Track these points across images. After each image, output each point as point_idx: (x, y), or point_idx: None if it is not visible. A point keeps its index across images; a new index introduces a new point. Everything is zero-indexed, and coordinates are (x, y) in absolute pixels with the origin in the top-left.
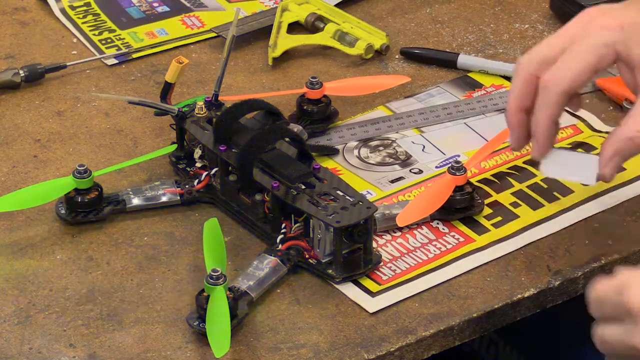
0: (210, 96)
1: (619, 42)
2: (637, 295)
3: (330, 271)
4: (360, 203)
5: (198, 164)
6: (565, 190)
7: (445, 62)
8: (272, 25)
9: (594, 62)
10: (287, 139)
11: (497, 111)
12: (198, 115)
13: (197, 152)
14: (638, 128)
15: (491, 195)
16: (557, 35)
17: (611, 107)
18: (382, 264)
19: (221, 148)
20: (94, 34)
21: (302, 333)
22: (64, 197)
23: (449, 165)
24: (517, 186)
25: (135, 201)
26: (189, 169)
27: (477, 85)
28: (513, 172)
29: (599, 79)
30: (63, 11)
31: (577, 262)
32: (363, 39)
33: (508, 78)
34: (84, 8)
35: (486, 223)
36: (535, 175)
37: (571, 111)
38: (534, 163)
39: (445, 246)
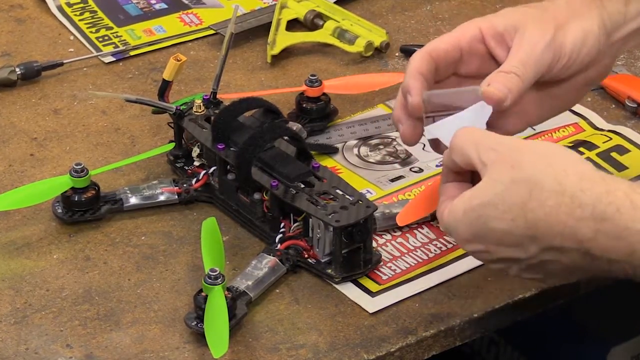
0: (208, 94)
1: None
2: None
3: (329, 271)
4: (360, 202)
5: (196, 163)
6: None
7: None
8: (270, 22)
9: (457, 35)
10: (286, 138)
11: None
12: (196, 113)
13: (195, 151)
14: (513, 63)
15: None
16: None
17: (613, 105)
18: (382, 263)
19: (219, 147)
20: (91, 32)
21: (301, 333)
22: (61, 196)
23: None
24: None
25: (133, 200)
26: (187, 168)
27: None
28: None
29: None
30: (60, 8)
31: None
32: (363, 37)
33: None
34: (81, 5)
35: None
36: None
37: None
38: None
39: (445, 245)
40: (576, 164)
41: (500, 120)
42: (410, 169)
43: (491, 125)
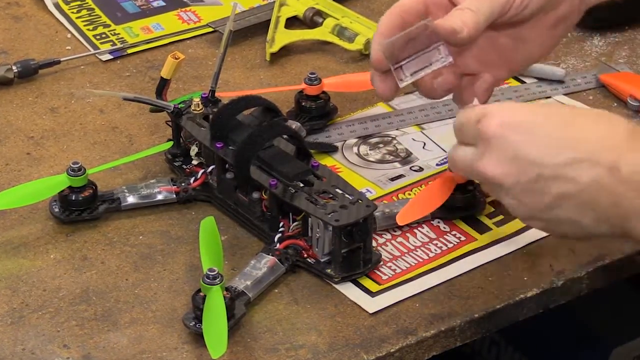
0: (206, 92)
1: None
2: (492, 125)
3: (329, 271)
4: (360, 201)
5: (194, 162)
6: None
7: None
8: (269, 20)
9: None
10: (285, 136)
11: None
12: (194, 111)
13: (194, 150)
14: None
15: None
16: None
17: (615, 104)
18: (382, 263)
19: (218, 145)
20: (88, 29)
21: (301, 334)
22: (58, 196)
23: None
24: None
25: (131, 199)
26: (185, 167)
27: None
28: None
29: (602, 74)
30: (57, 6)
31: (581, 261)
32: (362, 34)
33: None
34: (78, 2)
35: (488, 222)
36: None
37: None
38: None
39: (446, 245)
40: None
41: (483, 67)
42: (410, 168)
43: (475, 76)
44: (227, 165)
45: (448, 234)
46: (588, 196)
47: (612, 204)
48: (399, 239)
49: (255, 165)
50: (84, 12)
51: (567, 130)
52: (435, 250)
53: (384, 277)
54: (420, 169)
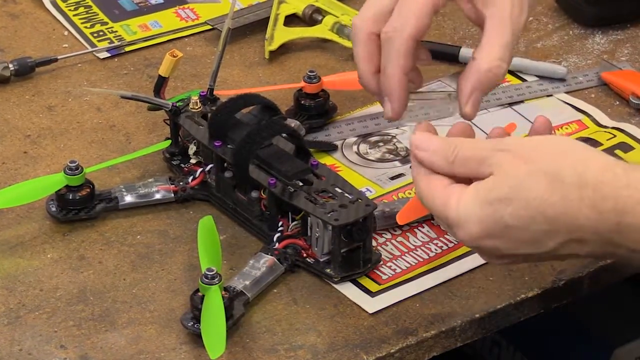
0: (205, 90)
1: None
2: (466, 235)
3: (328, 270)
4: (359, 200)
5: (193, 161)
6: None
7: (446, 55)
8: (268, 17)
9: (432, 0)
10: (284, 135)
11: (500, 106)
12: (193, 110)
13: (192, 148)
14: (494, 57)
15: None
16: None
17: (617, 102)
18: (381, 263)
19: (216, 144)
20: (85, 27)
21: (300, 334)
22: (55, 195)
23: None
24: None
25: (128, 198)
26: (183, 166)
27: None
28: None
29: (604, 72)
30: (54, 3)
31: (582, 261)
32: None
33: (512, 72)
34: (76, 0)
35: None
36: None
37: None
38: None
39: (446, 245)
40: (595, 155)
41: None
42: (410, 167)
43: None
44: (225, 164)
45: (448, 234)
46: (591, 254)
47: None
48: (399, 239)
49: (254, 164)
50: (81, 9)
51: (543, 215)
52: (436, 249)
53: (384, 277)
54: None
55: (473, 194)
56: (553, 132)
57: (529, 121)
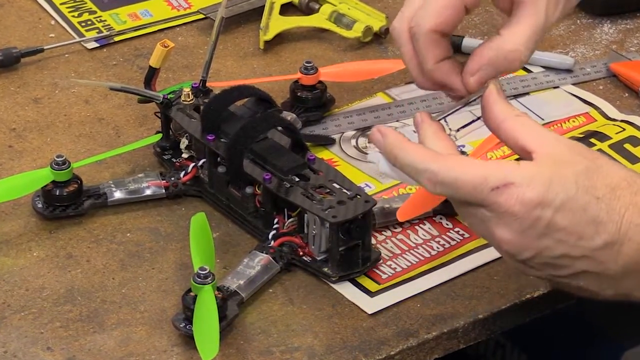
0: (197, 82)
1: None
2: (512, 199)
3: (326, 269)
4: (358, 196)
5: (184, 155)
6: None
7: None
8: (263, 6)
9: None
10: (279, 128)
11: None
12: (184, 102)
13: (184, 142)
14: (521, 41)
15: None
16: None
17: (626, 94)
18: (381, 261)
19: (209, 138)
20: (73, 16)
21: (296, 335)
22: (41, 190)
23: None
24: None
25: (118, 194)
26: (174, 160)
27: None
28: None
29: (613, 63)
30: None
31: None
32: (361, 21)
33: None
34: None
35: None
36: None
37: (584, 98)
38: None
39: (449, 243)
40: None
41: None
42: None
43: None
44: (218, 159)
45: (451, 231)
46: (614, 275)
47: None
48: (400, 236)
49: (248, 158)
50: None
51: (595, 208)
52: (438, 247)
53: (384, 276)
54: None
55: (543, 161)
56: (559, 124)
57: (535, 114)
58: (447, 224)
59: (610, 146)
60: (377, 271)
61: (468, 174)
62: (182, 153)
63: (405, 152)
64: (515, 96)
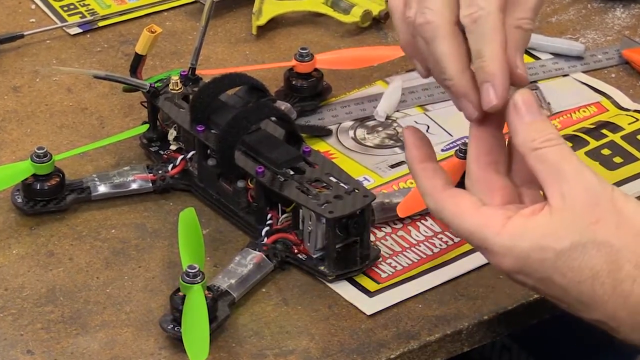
0: (186, 70)
1: None
2: (505, 263)
3: (322, 268)
4: (356, 191)
5: (173, 147)
6: None
7: None
8: None
9: None
10: (273, 119)
11: (512, 87)
12: (173, 91)
13: (172, 133)
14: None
15: None
16: None
17: (639, 83)
18: (380, 259)
19: (199, 128)
20: (54, 0)
21: (291, 338)
22: (21, 184)
23: (457, 148)
24: None
25: (102, 189)
26: (162, 153)
27: None
28: None
29: (625, 50)
30: None
31: None
32: (359, 5)
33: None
34: None
35: None
36: None
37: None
38: None
39: (452, 240)
40: None
41: None
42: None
43: None
44: (208, 151)
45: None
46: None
47: None
48: (400, 233)
49: (240, 150)
50: None
51: (576, 291)
52: (440, 245)
53: (383, 275)
54: None
55: (529, 228)
56: (569, 114)
57: (544, 102)
58: None
59: (622, 137)
60: (376, 270)
61: (465, 222)
62: (170, 145)
63: (416, 176)
64: None
